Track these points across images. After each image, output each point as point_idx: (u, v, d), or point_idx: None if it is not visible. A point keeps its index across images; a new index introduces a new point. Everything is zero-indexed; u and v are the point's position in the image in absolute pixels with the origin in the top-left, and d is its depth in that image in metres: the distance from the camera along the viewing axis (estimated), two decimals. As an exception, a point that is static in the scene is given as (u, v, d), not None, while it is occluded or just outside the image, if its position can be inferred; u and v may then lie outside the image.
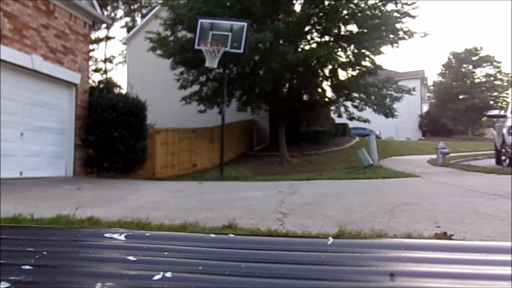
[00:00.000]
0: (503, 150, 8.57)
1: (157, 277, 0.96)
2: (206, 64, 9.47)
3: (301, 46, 14.75)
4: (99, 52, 37.39)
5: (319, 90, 15.34)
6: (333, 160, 14.35)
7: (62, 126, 8.68)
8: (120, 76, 71.78)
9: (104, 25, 27.64)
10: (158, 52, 14.43)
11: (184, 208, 3.65)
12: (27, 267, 1.03)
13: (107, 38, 36.38)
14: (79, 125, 8.98)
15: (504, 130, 8.38)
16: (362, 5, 13.27)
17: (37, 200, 4.18)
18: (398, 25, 13.63)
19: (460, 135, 38.28)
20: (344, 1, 13.14)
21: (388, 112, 15.25)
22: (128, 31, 29.10)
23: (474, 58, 41.68)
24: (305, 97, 15.64)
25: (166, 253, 1.16)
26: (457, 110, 39.41)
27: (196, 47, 9.54)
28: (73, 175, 8.65)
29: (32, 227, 2.04)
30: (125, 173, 9.13)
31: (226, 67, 10.56)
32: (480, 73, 42.30)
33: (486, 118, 26.33)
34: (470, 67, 42.01)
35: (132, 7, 37.36)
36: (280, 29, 13.10)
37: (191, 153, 14.32)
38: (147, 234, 1.38)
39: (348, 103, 15.79)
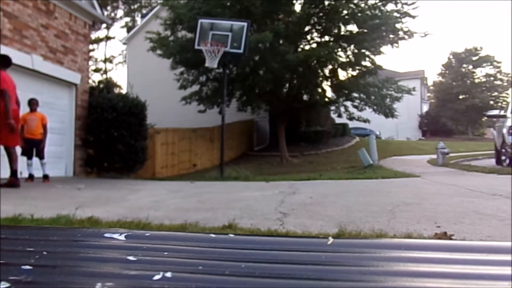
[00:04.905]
0: (503, 150, 8.57)
1: (157, 277, 0.96)
2: (206, 64, 9.47)
3: (301, 46, 14.76)
4: (99, 52, 37.42)
5: (319, 90, 15.34)
6: (333, 160, 14.35)
7: (62, 126, 8.68)
8: (120, 76, 71.82)
9: (104, 25, 27.64)
10: (158, 52, 14.44)
11: (184, 208, 3.65)
12: (27, 267, 1.03)
13: (107, 38, 36.40)
14: (79, 125, 8.98)
15: (504, 130, 8.38)
16: (362, 5, 13.27)
17: (37, 200, 4.17)
18: (398, 25, 13.64)
19: (460, 135, 38.29)
20: (344, 1, 13.14)
21: (388, 112, 15.26)
22: (128, 31, 29.10)
23: (474, 58, 41.68)
24: (305, 97, 15.65)
25: (166, 253, 1.16)
26: (457, 110, 39.40)
27: (196, 47, 9.55)
28: (73, 175, 8.65)
29: (32, 227, 2.05)
30: (125, 173, 9.13)
31: (226, 67, 10.56)
32: (480, 73, 42.32)
33: (486, 118, 26.32)
34: (470, 67, 42.01)
35: (132, 7, 37.36)
36: (280, 29, 13.10)
37: (191, 153, 14.32)
38: (147, 234, 1.38)
39: (348, 103, 15.79)
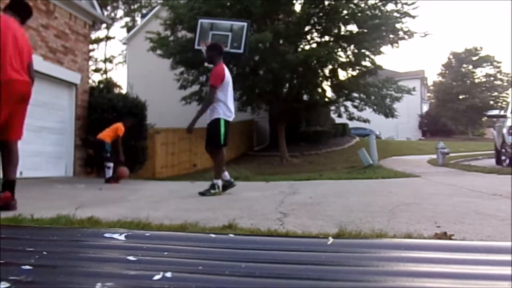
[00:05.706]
0: (503, 150, 8.57)
1: (157, 277, 0.96)
2: (206, 64, 9.46)
3: (301, 46, 14.76)
4: (99, 52, 37.40)
5: (319, 90, 15.35)
6: (333, 160, 14.36)
7: (62, 126, 8.67)
8: (120, 76, 71.85)
9: (104, 25, 27.62)
10: (158, 52, 14.44)
11: (184, 208, 3.65)
12: (27, 267, 1.03)
13: (107, 38, 36.36)
14: (79, 125, 8.98)
15: (504, 130, 8.38)
16: (362, 5, 13.27)
17: (37, 200, 4.17)
18: (398, 25, 13.64)
19: (460, 135, 38.30)
20: (344, 1, 13.14)
21: (388, 112, 15.27)
22: (128, 31, 29.11)
23: (474, 58, 41.69)
24: (305, 97, 15.65)
25: (166, 253, 1.16)
26: (457, 110, 39.42)
27: (196, 47, 9.49)
28: (73, 175, 8.64)
29: (32, 227, 2.05)
30: (125, 173, 9.12)
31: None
32: (480, 73, 42.35)
33: (486, 118, 26.33)
34: (470, 67, 42.02)
35: (132, 7, 37.35)
36: (280, 29, 13.10)
37: (191, 153, 14.31)
38: (147, 234, 1.38)
39: (348, 103, 15.80)
